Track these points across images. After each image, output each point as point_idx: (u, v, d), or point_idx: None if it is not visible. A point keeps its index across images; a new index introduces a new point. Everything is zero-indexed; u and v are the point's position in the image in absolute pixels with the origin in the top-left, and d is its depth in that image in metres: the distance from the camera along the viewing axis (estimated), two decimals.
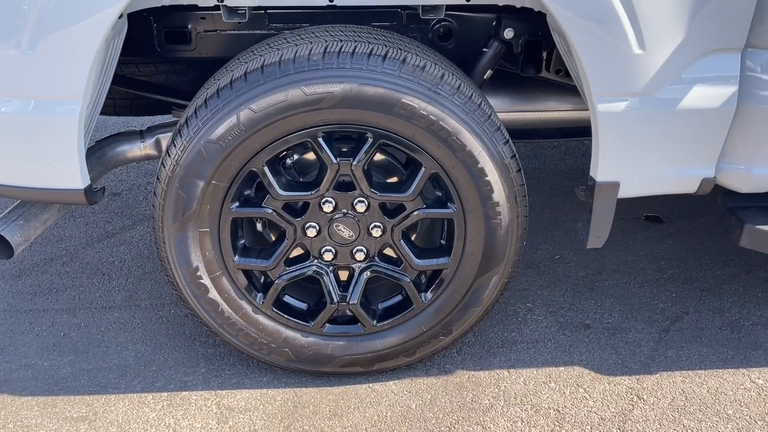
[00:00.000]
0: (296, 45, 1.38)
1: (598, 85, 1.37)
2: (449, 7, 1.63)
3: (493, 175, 1.45)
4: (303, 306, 1.66)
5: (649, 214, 2.45)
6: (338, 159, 1.44)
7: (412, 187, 1.48)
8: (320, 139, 1.43)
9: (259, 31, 1.71)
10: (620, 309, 1.96)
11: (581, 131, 1.55)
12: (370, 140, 1.43)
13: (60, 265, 2.18)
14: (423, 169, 1.46)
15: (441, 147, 1.42)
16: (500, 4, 1.55)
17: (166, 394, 1.66)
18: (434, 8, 1.61)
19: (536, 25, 1.60)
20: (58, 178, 1.45)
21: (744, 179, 1.52)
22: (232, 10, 1.57)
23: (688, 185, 1.55)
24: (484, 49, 1.70)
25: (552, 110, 1.95)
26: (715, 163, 1.52)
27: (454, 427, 1.55)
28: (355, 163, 1.44)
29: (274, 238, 1.62)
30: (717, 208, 1.71)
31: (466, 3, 1.55)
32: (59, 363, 1.76)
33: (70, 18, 1.25)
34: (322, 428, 1.55)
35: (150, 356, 1.78)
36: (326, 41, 1.38)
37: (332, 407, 1.61)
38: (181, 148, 1.41)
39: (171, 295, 2.00)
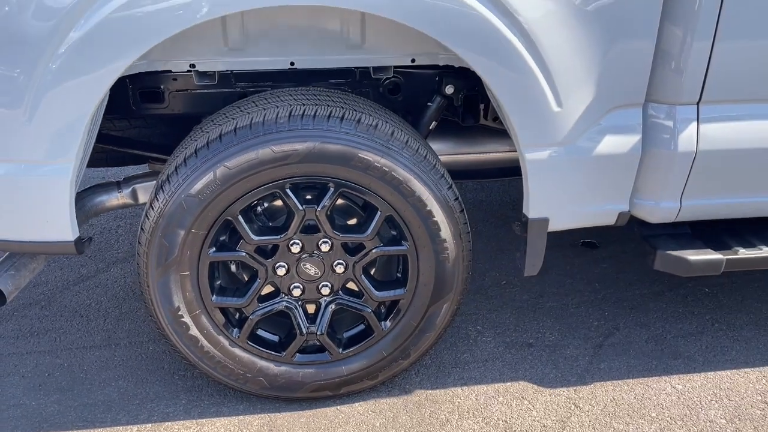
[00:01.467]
0: (264, 109, 1.58)
1: (525, 138, 1.61)
2: (397, 66, 1.85)
3: (439, 216, 1.66)
4: (275, 338, 1.83)
5: (585, 241, 2.70)
6: (304, 206, 1.64)
7: (370, 229, 1.68)
8: (288, 190, 1.62)
9: (227, 90, 1.91)
10: (559, 328, 2.19)
11: (518, 171, 1.78)
12: (332, 189, 1.63)
13: (39, 309, 2.30)
14: (379, 212, 1.67)
15: (394, 193, 1.62)
16: (441, 64, 1.79)
17: (150, 425, 1.80)
18: (384, 68, 1.83)
19: (473, 81, 1.83)
20: (51, 231, 1.60)
21: (653, 211, 1.77)
22: (203, 74, 1.76)
23: (608, 218, 1.80)
24: (429, 104, 1.93)
25: (491, 152, 2.19)
26: (628, 199, 1.77)
27: None
28: (319, 209, 1.64)
29: (247, 278, 1.80)
30: (636, 236, 1.95)
31: (411, 63, 1.77)
32: (46, 401, 1.88)
33: (68, 89, 1.42)
34: None
35: (132, 391, 1.92)
36: (290, 105, 1.58)
37: (304, 429, 1.78)
38: (163, 202, 1.58)
39: (149, 332, 2.15)
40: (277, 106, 1.58)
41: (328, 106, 1.60)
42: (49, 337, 2.16)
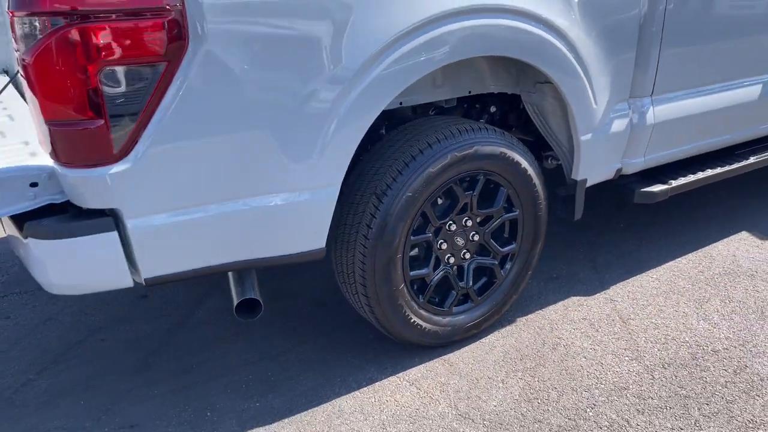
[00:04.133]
0: (443, 128, 2.27)
1: (581, 127, 2.53)
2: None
3: (538, 184, 2.51)
4: (435, 299, 2.49)
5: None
6: (467, 192, 2.36)
7: (500, 203, 2.46)
8: (457, 183, 2.33)
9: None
10: (570, 265, 3.15)
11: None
12: (481, 178, 2.38)
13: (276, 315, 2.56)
14: (503, 189, 2.46)
15: (513, 173, 2.42)
16: (494, 92, 2.64)
17: (372, 384, 2.32)
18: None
19: (507, 103, 2.73)
20: (311, 242, 2.08)
21: (631, 166, 2.84)
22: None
23: (610, 174, 2.81)
24: (480, 120, 2.77)
25: None
26: (620, 160, 2.81)
27: (536, 351, 2.55)
28: (475, 194, 2.38)
29: (423, 255, 2.42)
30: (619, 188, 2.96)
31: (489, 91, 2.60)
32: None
33: (353, 126, 1.95)
34: (478, 371, 2.41)
35: (358, 364, 2.40)
36: (457, 124, 2.30)
37: (471, 357, 2.47)
38: (388, 203, 2.17)
39: (333, 323, 2.60)
40: (450, 126, 2.29)
41: (475, 123, 2.36)
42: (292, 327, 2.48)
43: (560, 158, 2.71)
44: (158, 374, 2.43)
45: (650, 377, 2.34)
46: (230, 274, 2.21)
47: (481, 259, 2.54)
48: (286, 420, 2.18)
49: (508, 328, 2.65)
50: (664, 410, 2.18)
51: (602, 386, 2.30)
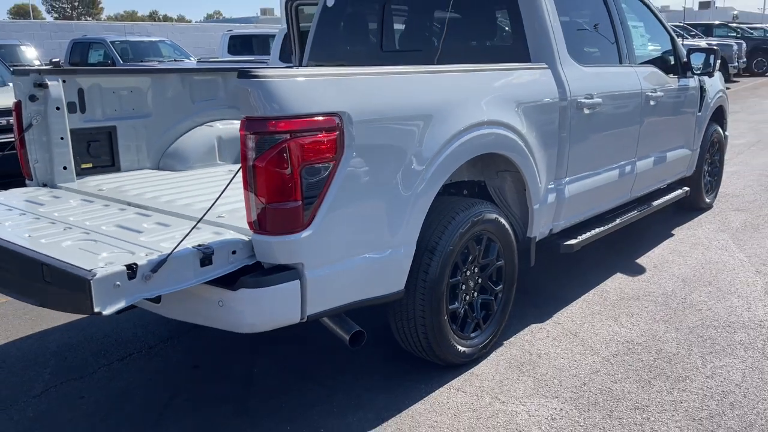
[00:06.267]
0: (465, 203, 3.29)
1: (534, 199, 3.69)
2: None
3: (514, 239, 3.60)
4: (459, 328, 3.40)
5: None
6: (478, 247, 3.37)
7: (495, 254, 3.49)
8: (473, 242, 3.33)
9: None
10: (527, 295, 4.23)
11: None
12: (485, 237, 3.40)
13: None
14: (495, 244, 3.50)
15: (501, 234, 3.49)
16: (475, 179, 3.73)
17: (426, 398, 3.13)
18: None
19: (475, 188, 3.85)
20: (398, 285, 2.93)
21: (559, 227, 4.06)
22: None
23: (547, 232, 4.00)
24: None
25: None
26: (552, 223, 4.01)
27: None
28: (482, 249, 3.39)
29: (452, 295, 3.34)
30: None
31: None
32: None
33: (427, 195, 2.90)
34: (498, 376, 3.33)
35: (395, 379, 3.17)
36: (471, 201, 3.33)
37: (495, 366, 3.39)
38: (441, 251, 3.10)
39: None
40: (466, 201, 3.30)
41: (479, 200, 3.40)
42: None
43: (513, 224, 3.85)
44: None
45: (609, 363, 3.44)
46: (326, 319, 2.96)
47: (483, 296, 3.53)
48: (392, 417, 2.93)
49: (500, 348, 3.63)
50: (626, 379, 3.26)
51: (584, 371, 3.35)
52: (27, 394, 3.25)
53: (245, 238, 2.51)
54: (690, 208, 6.25)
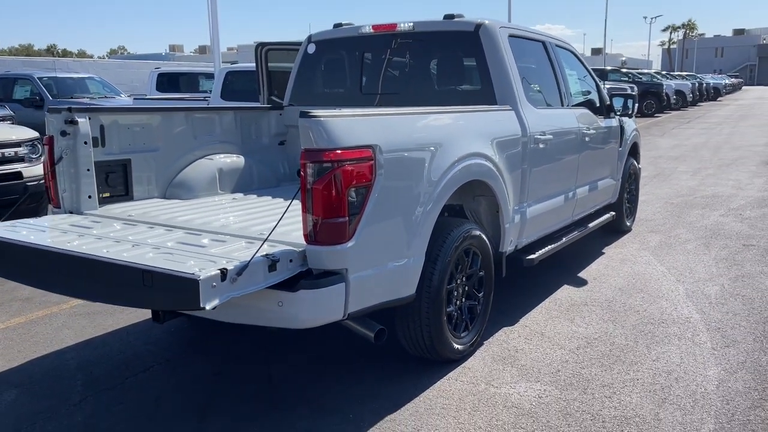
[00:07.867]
0: (457, 221, 3.90)
1: (505, 219, 4.35)
2: None
3: (492, 251, 4.24)
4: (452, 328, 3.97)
5: None
6: (467, 260, 3.98)
7: (479, 265, 4.11)
8: (463, 254, 3.94)
9: None
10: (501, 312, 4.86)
11: None
12: (472, 251, 4.02)
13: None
14: (478, 257, 4.12)
15: (483, 247, 4.12)
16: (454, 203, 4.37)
17: (426, 391, 3.67)
18: None
19: (455, 211, 4.47)
20: (411, 290, 3.48)
21: (522, 243, 4.74)
22: None
23: (513, 248, 4.67)
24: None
25: None
26: (517, 240, 4.69)
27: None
28: (470, 261, 4.00)
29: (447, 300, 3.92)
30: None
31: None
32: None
33: (434, 211, 3.48)
34: (487, 367, 3.92)
35: (396, 376, 3.69)
36: (461, 220, 3.94)
37: (487, 360, 3.97)
38: (440, 263, 3.69)
39: (358, 349, 3.83)
40: (458, 220, 3.91)
41: (466, 219, 4.02)
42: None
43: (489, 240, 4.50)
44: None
45: (575, 354, 4.11)
46: (348, 322, 3.45)
47: (469, 301, 4.13)
48: (405, 407, 3.44)
49: (483, 347, 4.23)
50: (591, 366, 3.94)
51: (556, 361, 3.99)
52: (66, 403, 3.53)
53: (299, 249, 3.00)
54: (614, 230, 7.15)
